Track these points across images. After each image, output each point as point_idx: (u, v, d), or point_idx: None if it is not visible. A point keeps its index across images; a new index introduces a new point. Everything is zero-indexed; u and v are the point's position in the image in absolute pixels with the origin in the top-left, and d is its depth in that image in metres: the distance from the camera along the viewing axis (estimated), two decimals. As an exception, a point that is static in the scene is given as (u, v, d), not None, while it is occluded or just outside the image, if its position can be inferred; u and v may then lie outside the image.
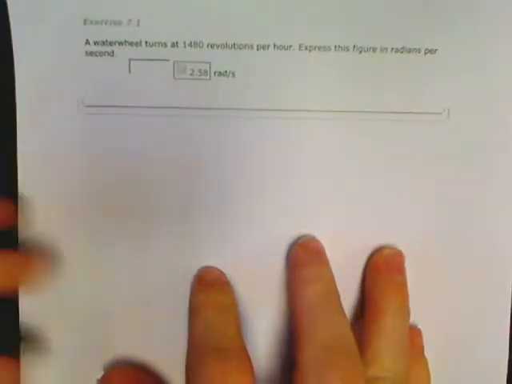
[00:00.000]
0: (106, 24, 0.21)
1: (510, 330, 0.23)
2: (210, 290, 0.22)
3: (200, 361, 0.18)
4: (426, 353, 0.23)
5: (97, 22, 0.21)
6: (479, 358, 0.23)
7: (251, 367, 0.19)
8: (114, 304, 0.22)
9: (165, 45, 0.21)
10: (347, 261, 0.23)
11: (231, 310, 0.21)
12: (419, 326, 0.23)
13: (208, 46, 0.21)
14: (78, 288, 0.22)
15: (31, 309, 0.22)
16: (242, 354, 0.19)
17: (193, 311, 0.21)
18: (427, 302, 0.23)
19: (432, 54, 0.22)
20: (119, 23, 0.21)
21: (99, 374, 0.22)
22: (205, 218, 0.22)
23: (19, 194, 0.22)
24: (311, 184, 0.22)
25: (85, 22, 0.21)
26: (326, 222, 0.23)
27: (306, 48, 0.21)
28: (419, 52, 0.22)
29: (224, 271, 0.22)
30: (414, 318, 0.22)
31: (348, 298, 0.23)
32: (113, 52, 0.21)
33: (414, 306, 0.22)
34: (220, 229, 0.22)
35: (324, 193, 0.22)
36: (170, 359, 0.22)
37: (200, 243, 0.22)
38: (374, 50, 0.22)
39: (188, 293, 0.22)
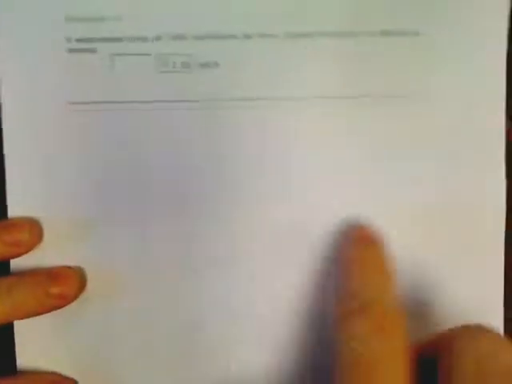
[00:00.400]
0: (87, 21, 0.21)
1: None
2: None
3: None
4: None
5: (78, 20, 0.21)
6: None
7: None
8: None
9: (146, 39, 0.21)
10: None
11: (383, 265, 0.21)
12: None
13: (190, 37, 0.21)
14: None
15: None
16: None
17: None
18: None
19: (415, 36, 0.21)
20: (101, 20, 0.21)
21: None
22: (198, 212, 0.22)
23: (7, 195, 0.22)
24: (299, 172, 0.22)
25: (66, 19, 0.21)
26: (326, 207, 0.22)
27: (290, 36, 0.21)
28: (402, 35, 0.21)
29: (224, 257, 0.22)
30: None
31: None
32: (95, 48, 0.21)
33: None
34: (217, 218, 0.22)
35: (313, 179, 0.22)
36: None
37: (197, 235, 0.22)
38: (358, 35, 0.21)
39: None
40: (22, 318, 0.21)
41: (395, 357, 0.18)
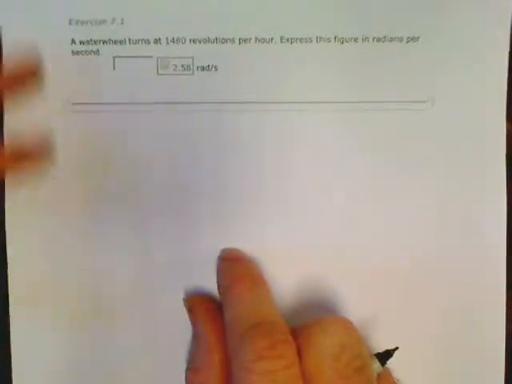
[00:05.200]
0: (91, 24, 0.22)
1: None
2: (235, 264, 0.22)
3: (245, 338, 0.18)
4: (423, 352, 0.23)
5: (82, 22, 0.22)
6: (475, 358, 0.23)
7: (291, 338, 0.19)
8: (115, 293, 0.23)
9: (148, 42, 0.22)
10: (345, 252, 0.23)
11: (261, 282, 0.21)
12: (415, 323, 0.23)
13: (190, 41, 0.22)
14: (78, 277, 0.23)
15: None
16: (283, 327, 0.19)
17: (225, 292, 0.21)
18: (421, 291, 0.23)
19: (414, 41, 0.22)
20: (104, 22, 0.22)
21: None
22: (197, 213, 0.23)
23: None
24: (296, 175, 0.22)
25: (70, 22, 0.22)
26: (324, 213, 0.22)
27: (288, 40, 0.22)
28: (401, 40, 0.21)
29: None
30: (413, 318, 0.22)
31: (339, 292, 0.23)
32: (98, 50, 0.22)
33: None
34: (217, 220, 0.22)
35: (309, 183, 0.22)
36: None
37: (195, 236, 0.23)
38: (356, 40, 0.22)
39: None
40: None
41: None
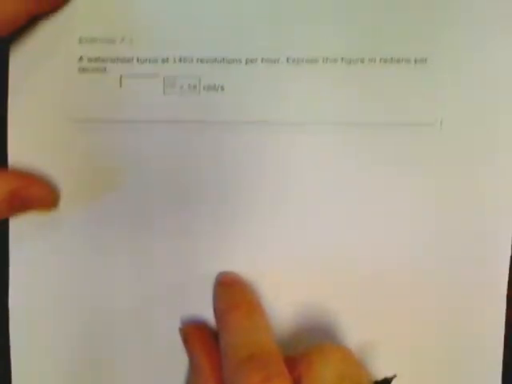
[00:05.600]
0: (100, 42, 0.22)
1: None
2: (232, 289, 0.21)
3: (239, 370, 0.18)
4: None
5: (92, 41, 0.22)
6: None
7: (287, 370, 0.18)
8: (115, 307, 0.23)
9: (155, 61, 0.22)
10: (347, 269, 0.22)
11: (258, 308, 0.21)
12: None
13: (197, 61, 0.22)
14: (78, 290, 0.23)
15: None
16: (278, 358, 0.19)
17: (221, 317, 0.21)
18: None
19: (422, 63, 0.21)
20: (112, 41, 0.22)
21: None
22: (198, 229, 0.22)
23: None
24: (301, 197, 0.22)
25: (80, 40, 0.22)
26: (322, 233, 0.22)
27: (294, 61, 0.22)
28: (409, 62, 0.21)
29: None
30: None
31: (345, 307, 0.22)
32: (105, 68, 0.22)
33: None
34: (215, 234, 0.22)
35: (315, 205, 0.22)
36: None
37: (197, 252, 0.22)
38: (362, 61, 0.21)
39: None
40: None
41: None
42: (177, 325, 0.22)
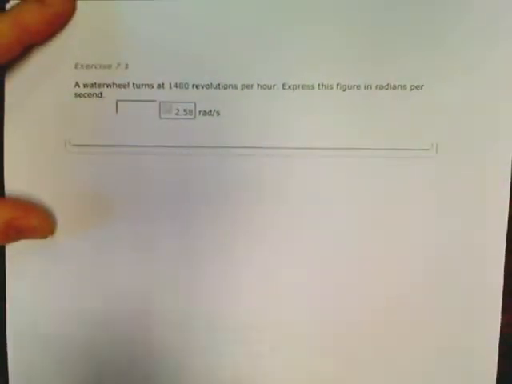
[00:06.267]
0: (95, 68, 0.22)
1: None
2: None
3: None
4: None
5: (87, 66, 0.22)
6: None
7: None
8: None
9: (151, 86, 0.22)
10: (343, 293, 0.22)
11: None
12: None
13: (193, 86, 0.22)
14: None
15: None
16: None
17: None
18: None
19: (418, 89, 0.21)
20: (108, 67, 0.22)
21: None
22: (198, 254, 0.22)
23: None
24: (297, 222, 0.22)
25: (76, 65, 0.22)
26: (322, 256, 0.22)
27: (290, 87, 0.22)
28: (405, 88, 0.21)
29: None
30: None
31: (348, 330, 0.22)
32: (101, 93, 0.22)
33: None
34: (215, 255, 0.22)
35: (310, 231, 0.22)
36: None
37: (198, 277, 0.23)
38: (358, 87, 0.21)
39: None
40: None
41: None
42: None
